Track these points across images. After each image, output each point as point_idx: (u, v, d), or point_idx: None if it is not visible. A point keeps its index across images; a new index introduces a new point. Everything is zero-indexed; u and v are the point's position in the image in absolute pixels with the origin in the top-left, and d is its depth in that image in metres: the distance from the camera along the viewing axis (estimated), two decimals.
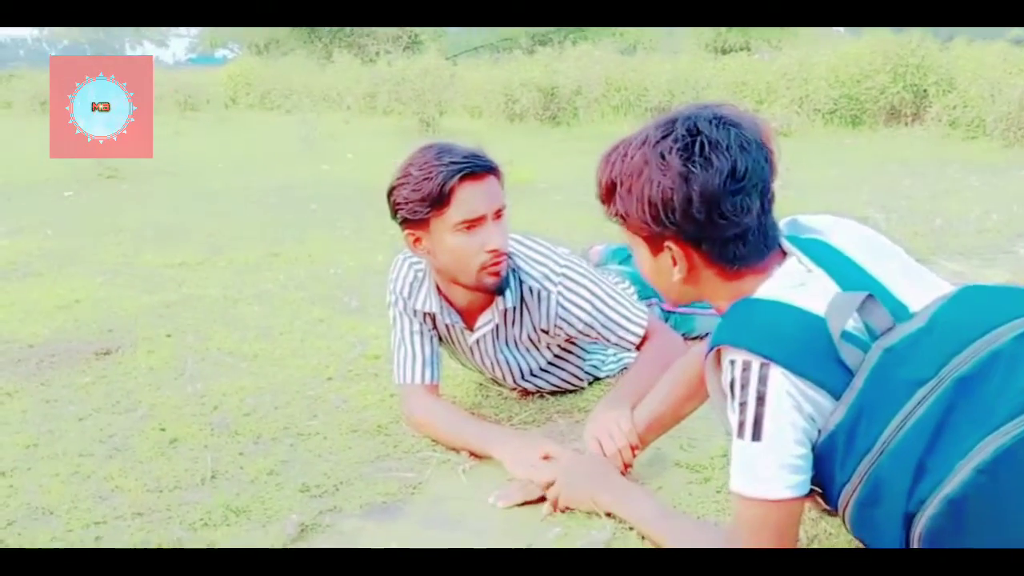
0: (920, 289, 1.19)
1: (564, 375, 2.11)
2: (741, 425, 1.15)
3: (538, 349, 2.01)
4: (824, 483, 1.16)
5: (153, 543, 1.48)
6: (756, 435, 1.14)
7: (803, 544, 1.40)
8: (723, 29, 15.77)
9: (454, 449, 1.82)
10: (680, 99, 11.06)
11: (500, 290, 1.83)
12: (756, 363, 1.13)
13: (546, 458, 1.66)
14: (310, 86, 15.22)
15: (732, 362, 1.16)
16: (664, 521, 1.44)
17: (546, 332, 1.93)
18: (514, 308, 1.90)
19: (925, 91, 9.67)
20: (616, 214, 1.27)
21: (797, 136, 9.07)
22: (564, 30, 16.22)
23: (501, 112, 11.66)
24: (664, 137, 1.19)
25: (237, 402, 2.14)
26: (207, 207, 5.33)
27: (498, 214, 1.77)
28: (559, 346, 2.03)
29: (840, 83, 10.09)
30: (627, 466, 1.65)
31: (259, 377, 2.32)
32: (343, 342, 2.61)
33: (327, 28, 21.00)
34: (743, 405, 1.15)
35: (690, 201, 1.17)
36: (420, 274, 1.92)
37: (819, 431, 1.14)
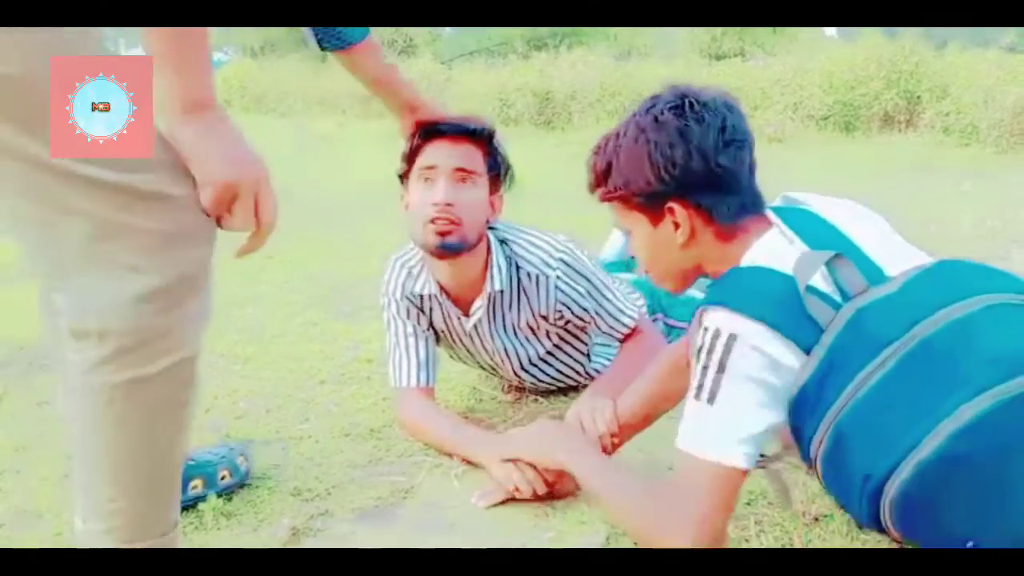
0: (900, 257, 1.23)
1: (564, 367, 2.10)
2: (700, 388, 1.20)
3: (537, 337, 2.01)
4: (798, 436, 1.19)
5: None
6: (711, 399, 1.18)
7: (799, 546, 1.39)
8: (718, 34, 15.81)
9: (447, 454, 1.82)
10: None
11: (451, 249, 1.77)
12: (725, 333, 1.17)
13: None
14: (305, 89, 15.20)
15: (706, 329, 1.21)
16: (604, 476, 1.44)
17: (545, 318, 1.94)
18: (510, 293, 1.90)
19: (919, 97, 9.70)
20: (614, 190, 1.33)
21: (791, 142, 9.09)
22: (559, 35, 16.25)
23: (496, 116, 11.66)
24: (654, 104, 1.29)
25: (229, 405, 2.13)
26: None
27: (460, 175, 1.77)
28: (558, 335, 2.02)
29: (834, 89, 10.12)
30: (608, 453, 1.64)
31: (251, 380, 2.31)
32: (336, 345, 2.60)
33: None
34: (705, 369, 1.19)
35: (690, 155, 1.25)
36: (414, 269, 1.92)
37: (794, 386, 1.16)
